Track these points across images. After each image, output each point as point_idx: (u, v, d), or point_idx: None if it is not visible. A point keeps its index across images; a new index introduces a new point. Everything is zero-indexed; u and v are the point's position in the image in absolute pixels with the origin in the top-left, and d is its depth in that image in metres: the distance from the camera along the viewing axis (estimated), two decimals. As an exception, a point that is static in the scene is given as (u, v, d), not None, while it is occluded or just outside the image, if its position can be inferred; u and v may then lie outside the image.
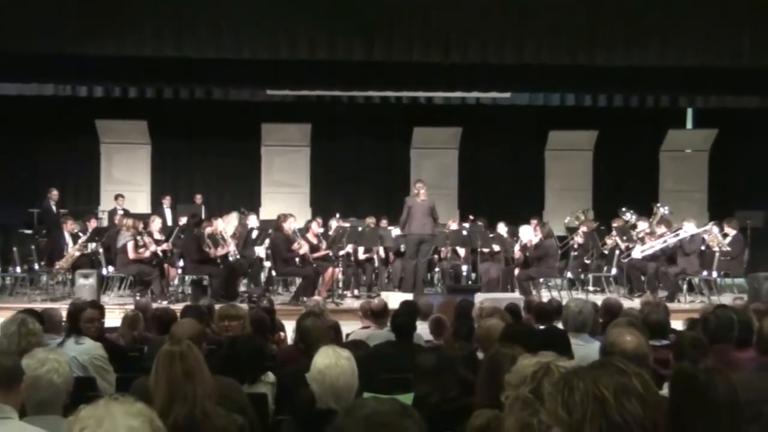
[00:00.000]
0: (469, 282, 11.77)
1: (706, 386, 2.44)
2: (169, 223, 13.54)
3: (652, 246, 11.78)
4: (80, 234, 11.61)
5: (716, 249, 11.73)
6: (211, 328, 5.74)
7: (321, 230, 12.02)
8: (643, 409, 1.75)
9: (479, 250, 11.96)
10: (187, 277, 11.62)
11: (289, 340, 6.29)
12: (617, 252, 12.28)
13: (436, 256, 12.70)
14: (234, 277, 11.42)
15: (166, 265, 11.31)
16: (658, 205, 13.10)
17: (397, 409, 1.67)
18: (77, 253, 11.37)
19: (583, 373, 1.84)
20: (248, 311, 6.04)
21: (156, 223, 11.70)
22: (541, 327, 5.79)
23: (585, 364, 1.99)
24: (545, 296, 9.87)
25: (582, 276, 12.46)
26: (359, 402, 1.72)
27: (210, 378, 3.14)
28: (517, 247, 12.10)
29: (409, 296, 9.66)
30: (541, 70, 11.58)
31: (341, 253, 11.80)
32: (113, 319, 7.26)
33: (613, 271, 12.29)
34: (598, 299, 8.07)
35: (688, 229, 11.69)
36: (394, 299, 8.79)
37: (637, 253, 11.88)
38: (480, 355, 4.25)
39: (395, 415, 1.62)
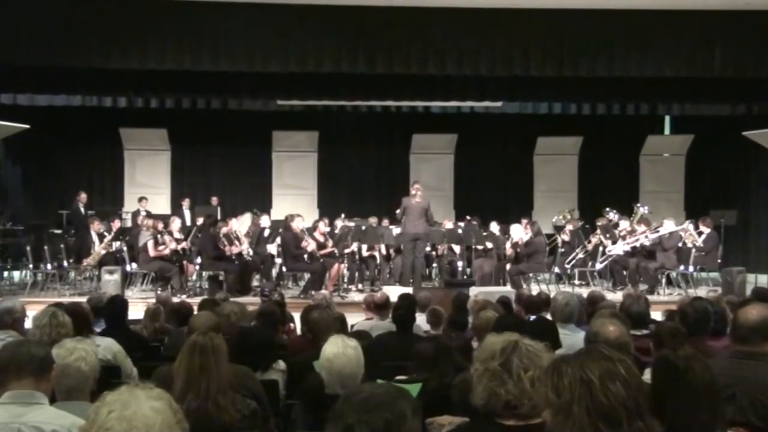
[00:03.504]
0: (464, 276, 11.74)
1: (686, 372, 2.44)
2: (188, 223, 13.52)
3: (633, 243, 11.76)
4: (106, 233, 11.60)
5: (691, 245, 11.72)
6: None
7: (327, 229, 12.00)
8: (626, 391, 1.75)
9: (473, 247, 11.95)
10: (204, 273, 11.61)
11: (299, 331, 6.28)
12: (601, 248, 12.26)
13: (433, 253, 12.69)
14: (247, 273, 11.41)
15: (184, 262, 11.32)
16: (639, 205, 13.09)
17: (391, 391, 1.67)
18: (103, 251, 11.38)
19: (571, 359, 1.84)
20: (260, 304, 6.03)
21: (175, 223, 11.70)
22: (531, 318, 5.78)
23: (572, 351, 1.99)
24: (534, 290, 9.84)
25: (568, 271, 12.44)
26: (356, 387, 1.72)
27: (227, 372, 3.09)
28: (508, 245, 12.08)
29: (409, 290, 9.64)
30: (530, 81, 11.59)
31: (346, 250, 11.80)
32: (136, 312, 7.24)
33: (597, 266, 12.27)
34: (584, 292, 8.08)
35: (666, 227, 11.68)
36: (395, 293, 8.74)
37: (620, 249, 11.86)
38: (475, 344, 4.24)
39: (390, 396, 1.62)
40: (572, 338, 4.40)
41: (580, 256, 12.32)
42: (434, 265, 12.73)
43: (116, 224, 11.98)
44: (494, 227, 12.55)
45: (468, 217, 13.19)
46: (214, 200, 14.71)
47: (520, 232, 11.86)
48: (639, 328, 4.65)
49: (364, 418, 1.56)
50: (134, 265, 11.66)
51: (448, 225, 12.64)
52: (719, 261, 11.96)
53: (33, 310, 4.90)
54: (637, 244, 11.70)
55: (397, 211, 11.87)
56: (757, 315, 3.08)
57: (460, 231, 12.21)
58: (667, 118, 16.04)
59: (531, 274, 11.82)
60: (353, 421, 1.56)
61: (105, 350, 4.44)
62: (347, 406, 1.60)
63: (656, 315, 6.01)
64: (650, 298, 6.96)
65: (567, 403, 1.76)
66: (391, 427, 1.55)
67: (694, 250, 11.67)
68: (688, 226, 11.96)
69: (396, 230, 12.14)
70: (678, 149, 15.64)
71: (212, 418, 2.93)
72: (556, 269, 12.47)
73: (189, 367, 3.03)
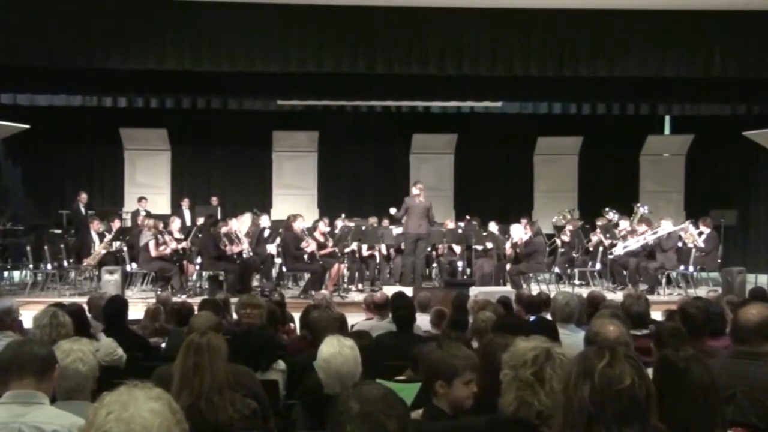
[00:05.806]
0: (465, 276, 11.74)
1: (685, 372, 2.43)
2: (188, 223, 13.52)
3: (634, 243, 11.76)
4: (106, 233, 11.60)
5: (691, 245, 11.72)
6: (227, 319, 5.73)
7: (327, 229, 12.00)
8: (630, 392, 1.74)
9: (473, 247, 11.95)
10: (204, 273, 11.61)
11: (299, 331, 6.28)
12: (601, 248, 12.26)
13: (434, 253, 12.69)
14: (247, 273, 11.41)
15: (184, 262, 11.32)
16: (639, 205, 13.08)
17: (387, 395, 1.70)
18: (103, 251, 11.37)
19: (576, 359, 1.86)
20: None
21: (175, 223, 11.70)
22: (531, 318, 5.78)
23: (572, 351, 1.99)
24: (534, 290, 9.84)
25: (568, 271, 12.44)
26: (348, 393, 1.74)
27: (223, 371, 3.09)
28: (508, 245, 12.07)
29: (409, 290, 9.63)
30: (530, 81, 11.60)
31: (346, 250, 11.79)
32: (136, 312, 7.25)
33: (597, 266, 12.27)
34: (584, 292, 8.07)
35: (666, 227, 11.67)
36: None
37: (620, 249, 11.86)
38: (474, 344, 4.24)
39: (386, 403, 1.67)
40: (572, 338, 4.40)
41: (581, 257, 12.33)
42: (434, 265, 12.73)
43: (116, 224, 11.98)
44: (494, 227, 12.54)
45: (468, 217, 13.18)
46: (214, 200, 14.71)
47: (519, 232, 11.85)
48: (639, 328, 4.65)
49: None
50: (134, 265, 11.66)
51: (449, 225, 12.65)
52: (719, 261, 11.96)
53: (33, 310, 4.90)
54: (638, 246, 11.69)
55: (397, 211, 11.80)
56: (758, 315, 3.08)
57: (460, 231, 12.21)
58: (667, 118, 16.02)
59: (531, 274, 11.81)
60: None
61: (105, 355, 4.44)
62: (346, 417, 1.62)
63: (656, 315, 6.01)
64: (650, 298, 6.96)
65: (567, 403, 1.76)
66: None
67: (694, 250, 11.67)
68: (688, 226, 11.95)
69: (396, 230, 12.13)
70: (678, 149, 15.63)
71: (205, 416, 2.93)
72: (556, 269, 12.47)
73: (184, 365, 3.05)
